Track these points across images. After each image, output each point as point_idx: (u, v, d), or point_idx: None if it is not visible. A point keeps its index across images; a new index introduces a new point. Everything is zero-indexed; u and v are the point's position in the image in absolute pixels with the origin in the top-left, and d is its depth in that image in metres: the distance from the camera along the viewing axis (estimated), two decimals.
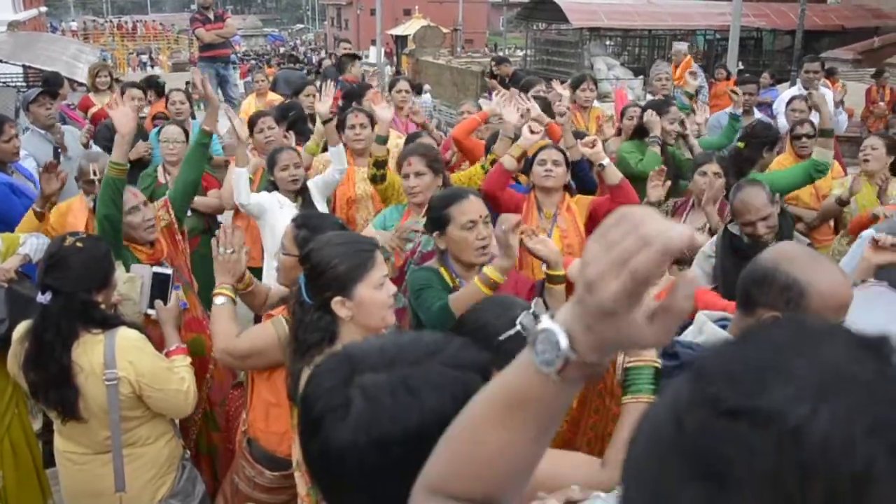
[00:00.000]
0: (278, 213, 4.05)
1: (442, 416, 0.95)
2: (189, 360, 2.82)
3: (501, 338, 1.63)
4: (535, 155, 3.79)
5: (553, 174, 3.68)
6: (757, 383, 0.53)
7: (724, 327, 1.91)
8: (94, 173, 4.21)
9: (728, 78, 10.07)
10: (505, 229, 2.52)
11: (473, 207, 2.80)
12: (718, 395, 0.54)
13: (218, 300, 2.71)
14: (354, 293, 2.12)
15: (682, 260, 3.86)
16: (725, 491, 0.50)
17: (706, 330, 1.91)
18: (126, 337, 2.59)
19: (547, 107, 4.85)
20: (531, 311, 0.87)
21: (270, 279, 4.06)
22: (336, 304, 2.13)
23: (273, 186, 4.21)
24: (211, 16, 9.90)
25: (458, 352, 1.10)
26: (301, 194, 4.20)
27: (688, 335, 1.95)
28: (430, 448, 0.92)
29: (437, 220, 2.82)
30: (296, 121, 5.83)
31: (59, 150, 5.34)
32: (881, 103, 11.00)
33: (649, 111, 5.10)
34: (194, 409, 2.83)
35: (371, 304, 2.14)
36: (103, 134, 6.26)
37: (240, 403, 3.01)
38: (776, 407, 0.51)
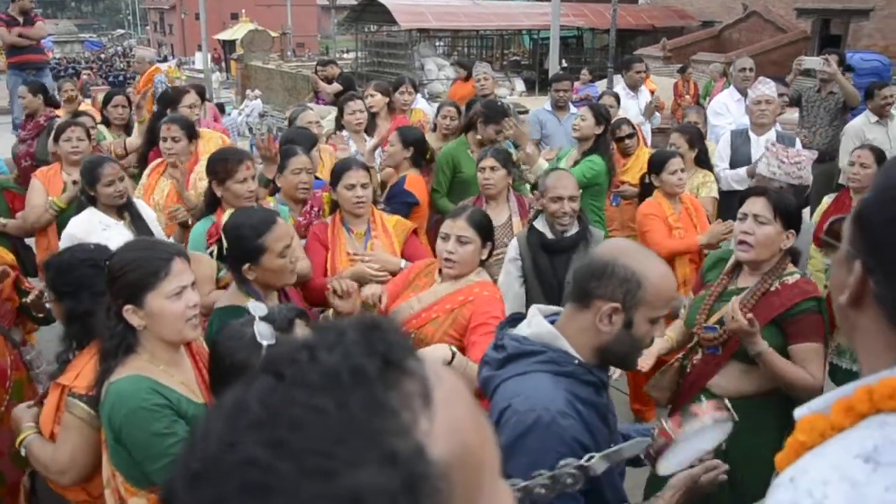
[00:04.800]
0: (100, 234, 3.62)
1: None
2: None
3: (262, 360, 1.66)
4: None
5: (364, 199, 3.59)
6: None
7: (553, 322, 1.94)
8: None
9: (467, 79, 8.47)
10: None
11: (285, 230, 2.76)
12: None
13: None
14: (145, 302, 2.04)
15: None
16: None
17: (534, 323, 1.93)
18: None
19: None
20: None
21: None
22: (127, 312, 2.05)
23: (90, 202, 3.80)
24: (20, 18, 8.58)
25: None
26: (126, 210, 3.83)
27: (521, 328, 1.97)
28: None
29: (251, 251, 2.68)
30: None
31: None
32: (687, 96, 11.87)
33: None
34: None
35: (163, 314, 2.05)
36: None
37: None
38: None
